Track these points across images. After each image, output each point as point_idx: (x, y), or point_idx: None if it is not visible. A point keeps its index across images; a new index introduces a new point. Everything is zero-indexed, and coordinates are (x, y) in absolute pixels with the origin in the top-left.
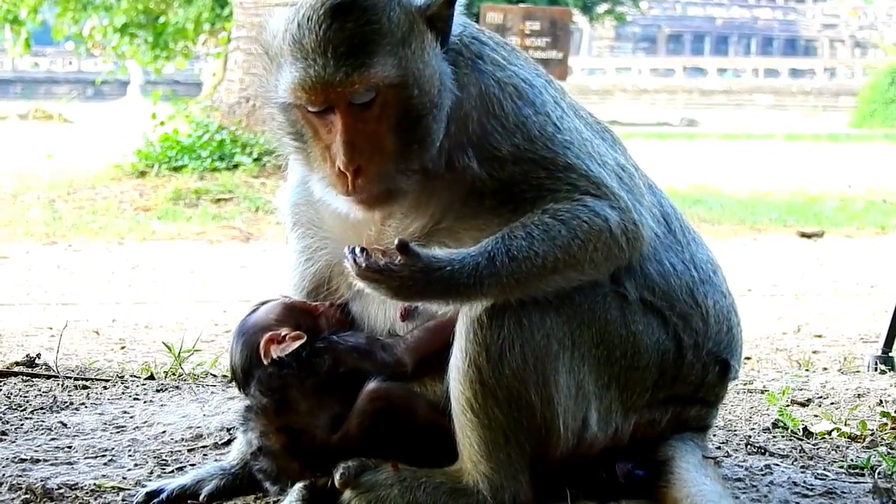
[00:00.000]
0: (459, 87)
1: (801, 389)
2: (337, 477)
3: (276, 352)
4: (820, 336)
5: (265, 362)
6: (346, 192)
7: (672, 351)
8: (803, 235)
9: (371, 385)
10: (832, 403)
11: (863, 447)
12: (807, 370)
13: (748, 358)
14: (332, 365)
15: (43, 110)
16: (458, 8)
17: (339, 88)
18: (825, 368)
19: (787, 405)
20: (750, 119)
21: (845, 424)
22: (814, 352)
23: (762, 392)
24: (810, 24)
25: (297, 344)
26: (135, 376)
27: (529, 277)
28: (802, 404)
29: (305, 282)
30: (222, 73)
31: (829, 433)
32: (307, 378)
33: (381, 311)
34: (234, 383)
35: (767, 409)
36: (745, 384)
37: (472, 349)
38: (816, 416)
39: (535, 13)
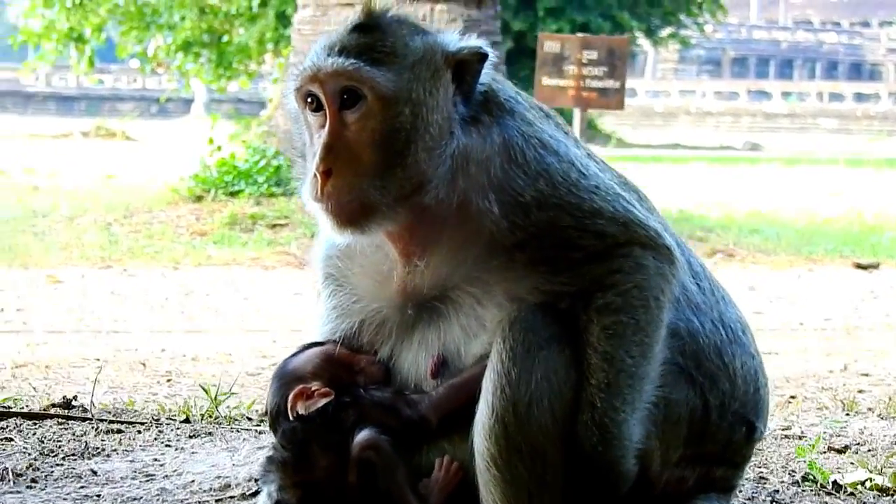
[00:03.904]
0: (482, 134)
1: (840, 436)
2: None
3: (301, 408)
4: (867, 375)
5: (290, 416)
6: (317, 196)
7: (699, 409)
8: (859, 267)
9: (362, 434)
10: (869, 450)
11: (892, 501)
12: (847, 413)
13: (793, 397)
14: (356, 420)
15: (106, 128)
16: (495, 70)
17: (328, 72)
18: (870, 408)
19: (824, 451)
20: (813, 143)
21: (880, 473)
22: (859, 391)
23: (800, 438)
24: (876, 49)
25: (323, 401)
26: (171, 418)
27: (642, 381)
28: (839, 451)
29: (336, 335)
30: (280, 99)
31: (863, 483)
32: (330, 434)
33: (413, 368)
34: (268, 425)
35: (802, 458)
36: (783, 429)
37: (498, 405)
38: (853, 463)
39: (593, 42)
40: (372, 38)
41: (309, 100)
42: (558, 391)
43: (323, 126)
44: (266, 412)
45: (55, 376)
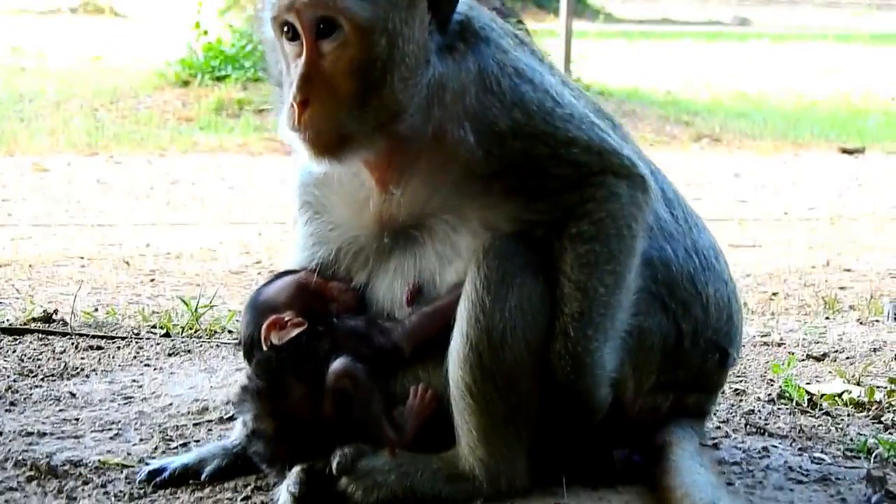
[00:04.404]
0: (457, 62)
1: (818, 342)
2: (334, 464)
3: (275, 338)
4: (849, 270)
5: (264, 347)
6: (294, 126)
7: (672, 336)
8: (844, 151)
9: (337, 363)
10: (847, 358)
11: (867, 418)
12: (827, 317)
13: (775, 294)
14: (330, 349)
15: (95, 3)
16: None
17: (304, 1)
18: (851, 306)
19: (803, 359)
20: (803, 17)
21: (857, 384)
22: (840, 288)
23: (779, 345)
24: None
25: (296, 331)
26: (152, 331)
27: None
28: (818, 359)
29: (313, 263)
30: (254, 23)
31: (839, 395)
32: (304, 363)
33: (388, 295)
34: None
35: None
36: (762, 336)
37: (473, 333)
38: (830, 372)
39: None
40: None
41: (285, 28)
42: (532, 320)
43: (299, 55)
44: (239, 342)
45: (38, 276)
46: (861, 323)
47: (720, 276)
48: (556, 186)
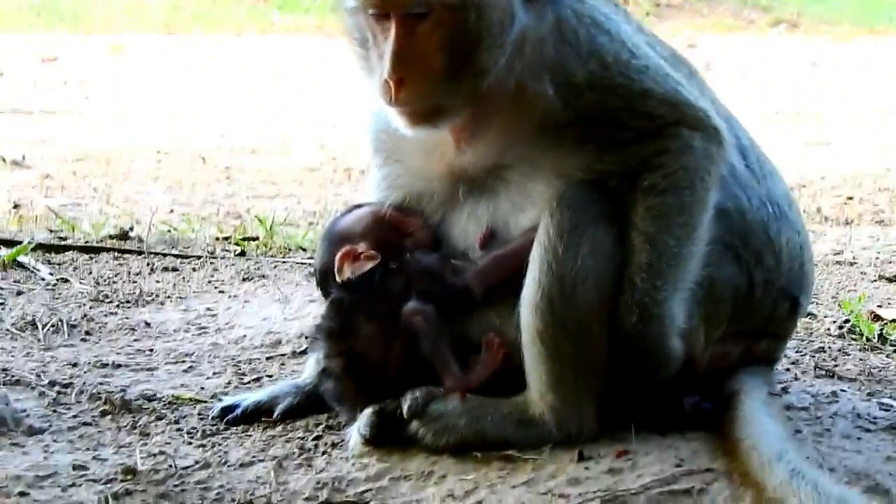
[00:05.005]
0: (536, 14)
1: (891, 262)
2: (405, 408)
3: (348, 270)
4: None
5: (338, 278)
6: (390, 101)
7: (744, 286)
8: None
9: (411, 304)
10: None
11: None
12: None
13: (850, 198)
14: (402, 288)
15: None
16: None
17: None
18: None
19: (874, 280)
20: None
21: None
22: None
23: (851, 265)
24: None
25: (370, 265)
26: (226, 250)
27: (685, 262)
28: (890, 279)
29: (387, 204)
30: None
31: None
32: (376, 304)
33: (462, 236)
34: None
35: (854, 287)
36: (835, 253)
37: (545, 280)
38: None
39: None
40: None
41: (372, 11)
42: (604, 268)
43: (387, 32)
44: (314, 271)
45: (114, 173)
46: None
47: (793, 226)
48: (630, 138)
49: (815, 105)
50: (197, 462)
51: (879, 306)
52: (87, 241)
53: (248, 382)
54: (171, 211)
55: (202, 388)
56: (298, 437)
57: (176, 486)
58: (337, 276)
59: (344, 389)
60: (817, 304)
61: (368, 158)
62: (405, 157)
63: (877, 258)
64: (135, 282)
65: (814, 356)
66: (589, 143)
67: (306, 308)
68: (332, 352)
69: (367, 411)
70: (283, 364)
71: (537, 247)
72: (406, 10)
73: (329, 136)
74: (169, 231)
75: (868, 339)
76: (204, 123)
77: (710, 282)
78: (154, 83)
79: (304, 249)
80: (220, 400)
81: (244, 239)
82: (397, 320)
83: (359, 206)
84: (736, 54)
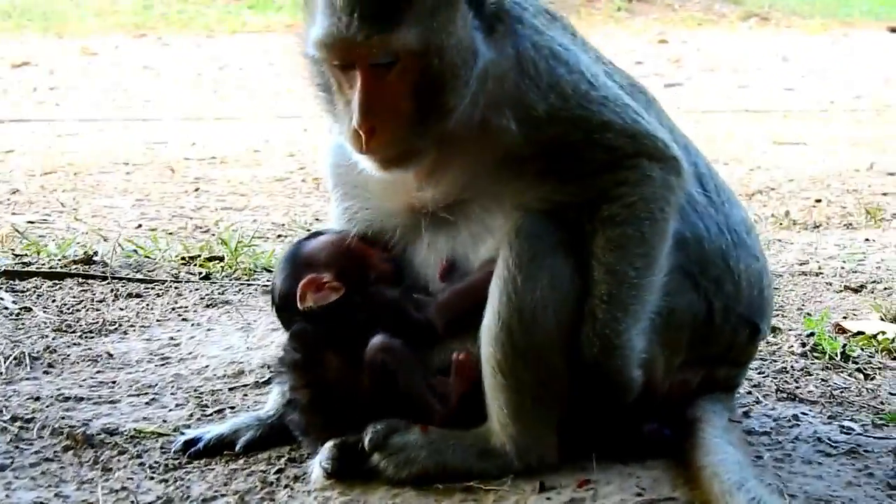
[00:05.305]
0: (497, 48)
1: (856, 272)
2: (366, 440)
3: (311, 299)
4: (892, 174)
5: (299, 307)
6: (361, 150)
7: (704, 313)
8: (893, 31)
9: (377, 338)
10: (885, 289)
11: None
12: (867, 239)
13: (818, 201)
14: (365, 320)
15: None
16: None
17: (360, 49)
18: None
19: (840, 290)
20: None
21: (893, 321)
22: (883, 194)
23: (816, 275)
24: None
25: (334, 297)
26: (190, 273)
27: (645, 293)
28: (855, 290)
29: (350, 234)
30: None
31: (874, 337)
32: (340, 335)
33: (422, 267)
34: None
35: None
36: (800, 264)
37: (504, 311)
38: (867, 307)
39: None
40: None
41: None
42: (563, 299)
43: (353, 79)
44: (271, 291)
45: (83, 186)
46: None
47: (751, 252)
48: (590, 169)
49: (784, 102)
50: (159, 497)
51: (844, 317)
52: (51, 266)
53: (211, 414)
54: (139, 226)
55: (164, 421)
56: (261, 471)
57: None
58: (298, 303)
59: (310, 421)
60: (783, 316)
61: (329, 192)
62: (365, 192)
63: (842, 268)
64: (98, 310)
65: (776, 378)
66: (549, 175)
67: (269, 336)
68: (299, 384)
69: (328, 444)
70: (245, 395)
71: (496, 278)
72: (372, 62)
73: (299, 141)
74: (135, 250)
75: (831, 358)
76: (174, 130)
77: (670, 310)
78: (124, 87)
79: (270, 271)
80: (183, 433)
81: (209, 259)
82: (362, 353)
83: (322, 232)
84: (707, 49)
